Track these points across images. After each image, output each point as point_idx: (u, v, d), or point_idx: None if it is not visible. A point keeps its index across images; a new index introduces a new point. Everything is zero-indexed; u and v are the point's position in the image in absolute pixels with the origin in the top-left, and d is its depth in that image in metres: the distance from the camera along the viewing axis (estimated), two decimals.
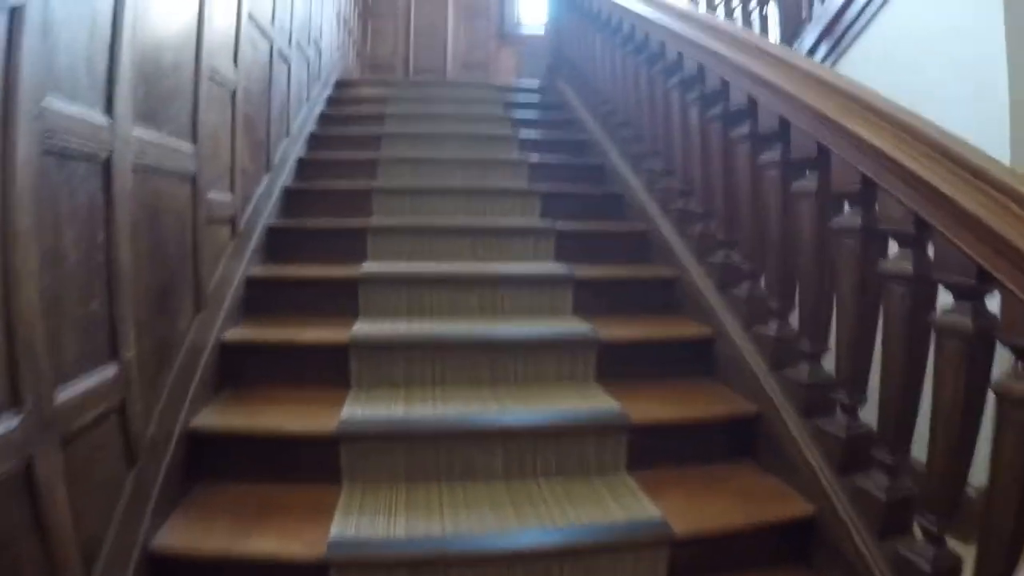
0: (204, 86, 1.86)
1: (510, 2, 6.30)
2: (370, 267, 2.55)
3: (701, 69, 2.30)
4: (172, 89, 1.65)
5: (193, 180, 1.79)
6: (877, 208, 1.46)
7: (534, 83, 4.80)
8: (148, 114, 1.49)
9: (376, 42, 6.11)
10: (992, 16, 2.42)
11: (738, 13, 5.23)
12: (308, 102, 3.55)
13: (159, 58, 1.56)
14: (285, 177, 3.00)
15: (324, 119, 3.86)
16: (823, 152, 1.61)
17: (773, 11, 5.35)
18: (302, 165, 3.28)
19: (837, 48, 4.17)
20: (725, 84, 2.12)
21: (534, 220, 3.07)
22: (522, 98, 4.45)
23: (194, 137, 1.79)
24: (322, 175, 3.27)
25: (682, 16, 2.46)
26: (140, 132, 1.44)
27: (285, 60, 2.95)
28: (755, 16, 5.26)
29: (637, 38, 2.98)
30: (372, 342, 2.11)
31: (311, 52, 3.56)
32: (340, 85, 4.47)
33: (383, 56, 6.13)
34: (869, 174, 1.44)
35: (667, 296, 2.57)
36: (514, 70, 6.26)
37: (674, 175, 2.73)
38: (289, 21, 3.00)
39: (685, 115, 2.52)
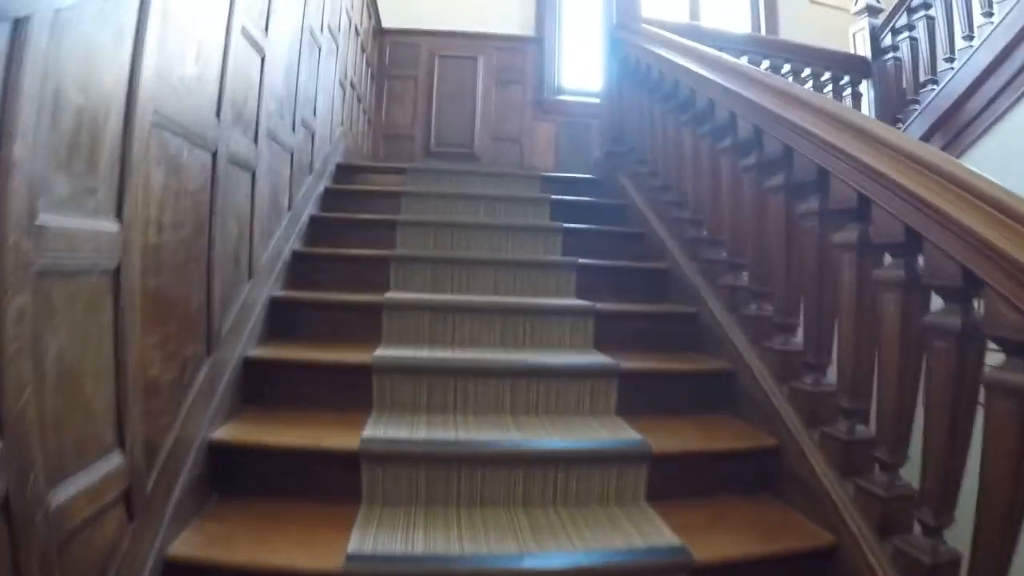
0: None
1: (550, 64, 5.38)
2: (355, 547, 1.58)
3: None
4: None
5: None
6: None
7: (585, 175, 3.82)
8: None
9: (393, 109, 5.20)
10: None
11: (828, 88, 4.39)
12: (290, 211, 2.58)
13: None
14: (242, 348, 2.01)
15: (315, 228, 2.89)
16: None
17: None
18: (276, 313, 2.31)
19: (958, 140, 3.74)
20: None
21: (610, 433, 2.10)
22: (572, 196, 3.47)
23: None
24: (304, 333, 2.32)
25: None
26: None
27: (246, 165, 1.98)
28: (847, 94, 4.41)
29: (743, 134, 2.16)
30: None
31: (296, 139, 2.60)
32: (343, 172, 3.53)
33: (401, 126, 5.21)
34: None
35: None
36: (552, 146, 5.32)
37: None
38: (256, 106, 2.04)
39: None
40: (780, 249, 2.08)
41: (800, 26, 5.50)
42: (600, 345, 2.43)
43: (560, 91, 5.40)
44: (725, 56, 2.62)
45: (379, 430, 1.85)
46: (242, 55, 1.88)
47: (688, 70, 2.66)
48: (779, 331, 2.11)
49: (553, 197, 3.35)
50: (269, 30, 2.08)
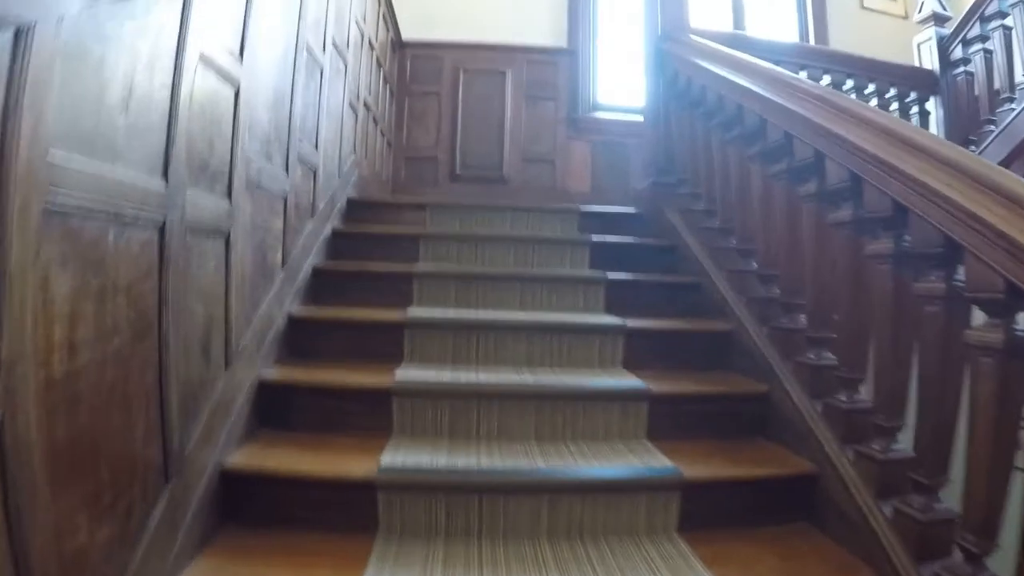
0: None
1: (584, 78, 4.91)
2: None
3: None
4: None
5: None
6: None
7: (626, 208, 3.34)
8: None
9: (414, 129, 4.77)
10: None
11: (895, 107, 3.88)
12: (285, 268, 2.15)
13: None
14: (218, 455, 1.57)
15: (318, 283, 2.47)
16: None
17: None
18: (265, 399, 1.88)
19: None
20: None
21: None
22: (614, 235, 3.00)
23: None
24: (300, 424, 1.90)
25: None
26: None
27: (214, 229, 1.56)
28: (914, 112, 4.01)
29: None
30: None
31: (291, 181, 2.18)
32: (355, 208, 3.10)
33: (423, 147, 4.77)
34: None
35: None
36: (587, 167, 4.85)
37: None
38: (230, 151, 1.61)
39: None
40: (888, 326, 1.59)
41: (851, 34, 5.03)
42: (654, 436, 1.97)
43: (596, 107, 4.93)
44: (803, 79, 2.16)
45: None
46: (205, 89, 1.45)
47: (755, 94, 2.20)
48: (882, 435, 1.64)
49: (594, 239, 2.89)
50: (246, 55, 1.66)
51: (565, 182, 4.81)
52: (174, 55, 1.31)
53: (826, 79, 3.65)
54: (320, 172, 2.53)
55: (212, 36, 1.46)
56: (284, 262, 2.16)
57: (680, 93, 2.97)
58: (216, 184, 1.56)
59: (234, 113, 1.62)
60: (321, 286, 2.48)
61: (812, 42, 5.26)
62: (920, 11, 4.07)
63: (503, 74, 4.81)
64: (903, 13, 5.40)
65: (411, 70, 4.74)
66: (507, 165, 4.77)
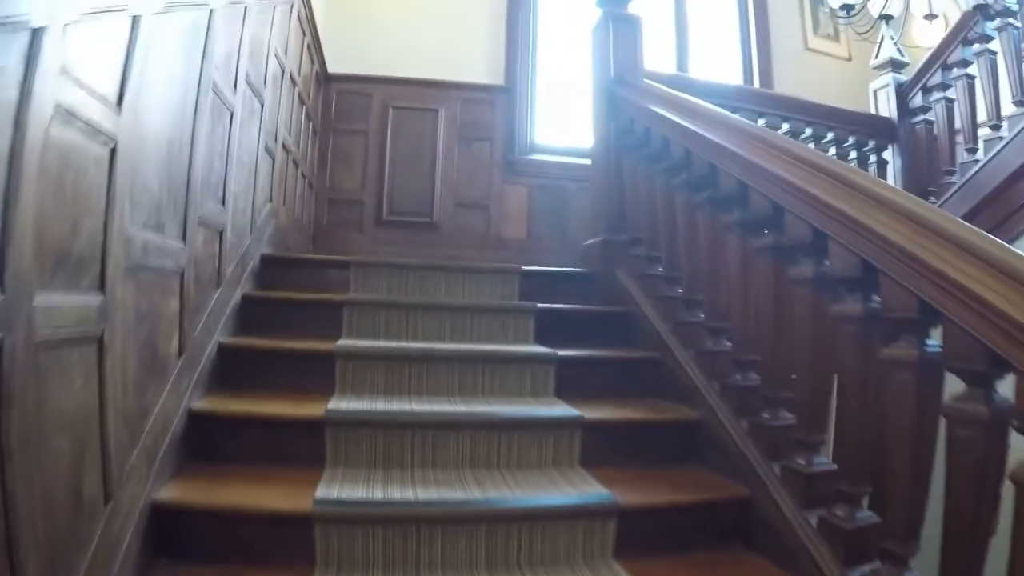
0: None
1: (522, 118, 4.64)
2: None
3: None
4: None
5: None
6: None
7: (574, 268, 3.07)
8: None
9: (339, 169, 4.36)
10: None
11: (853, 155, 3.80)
12: (183, 356, 1.74)
13: None
14: None
15: (225, 364, 2.07)
16: None
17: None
18: (157, 530, 1.47)
19: (1010, 224, 3.03)
20: None
21: None
22: (561, 302, 2.72)
23: None
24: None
25: None
26: None
27: (79, 338, 1.17)
28: (872, 160, 3.92)
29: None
30: None
31: (191, 248, 1.79)
32: (270, 266, 2.69)
33: (349, 189, 4.37)
34: None
35: None
36: (524, 212, 4.56)
37: None
38: (102, 230, 1.23)
39: None
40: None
41: (795, 75, 4.97)
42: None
43: (533, 149, 4.67)
44: (796, 143, 1.95)
45: None
46: (65, 152, 1.08)
47: (731, 153, 1.96)
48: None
49: (539, 307, 2.59)
50: (127, 102, 1.28)
51: (500, 228, 4.51)
52: (14, 109, 0.93)
53: (784, 126, 3.52)
54: (228, 231, 2.14)
55: (76, 80, 1.08)
56: (182, 350, 1.75)
57: (636, 144, 2.73)
58: (83, 276, 1.17)
59: (109, 179, 1.24)
60: (230, 368, 2.08)
61: (756, 82, 5.16)
62: (877, 56, 4.00)
63: (435, 112, 4.49)
64: (846, 55, 5.40)
65: (337, 106, 4.36)
66: (438, 210, 4.43)
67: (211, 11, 1.75)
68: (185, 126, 1.66)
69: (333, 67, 4.23)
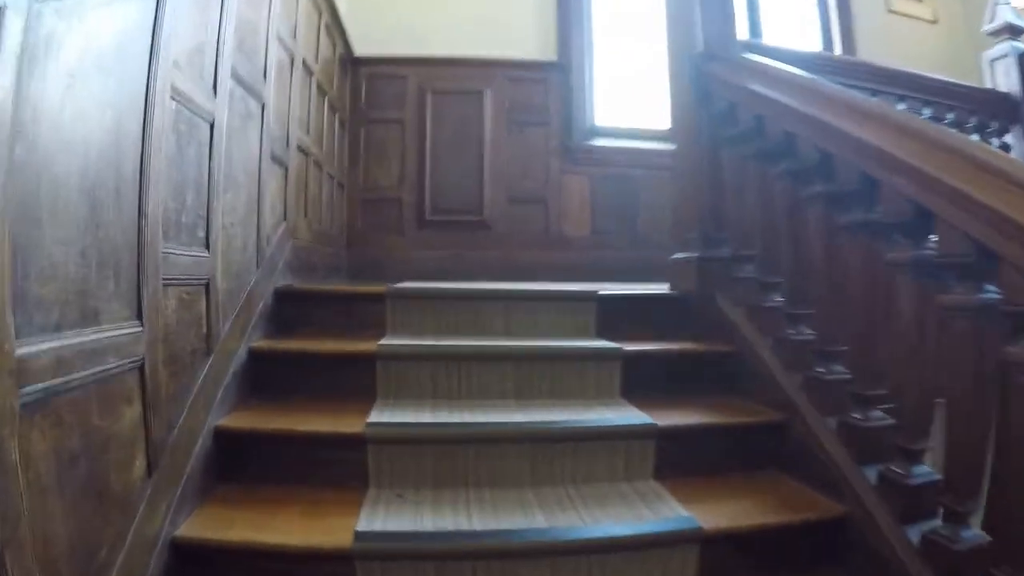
0: None
1: (580, 98, 4.02)
2: None
3: None
4: None
5: None
6: None
7: (660, 288, 2.47)
8: None
9: (374, 164, 3.83)
10: None
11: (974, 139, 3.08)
12: (152, 477, 1.23)
13: None
14: None
15: (220, 461, 1.56)
16: None
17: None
18: None
19: None
20: None
21: None
22: (649, 342, 2.16)
23: None
24: None
25: None
26: None
27: None
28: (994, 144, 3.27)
29: None
30: None
31: (159, 322, 1.28)
32: (284, 304, 2.17)
33: (385, 187, 3.84)
34: None
35: None
36: (587, 207, 3.97)
37: None
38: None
39: None
40: None
41: (878, 40, 4.28)
42: None
43: (594, 132, 4.04)
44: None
45: None
46: None
47: (904, 165, 1.35)
48: None
49: (626, 350, 2.01)
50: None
51: (561, 225, 3.93)
52: None
53: (900, 106, 2.86)
54: (218, 278, 1.62)
55: None
56: (152, 468, 1.25)
57: (742, 136, 2.11)
58: None
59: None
60: (230, 461, 1.58)
61: (838, 49, 4.48)
62: (991, 20, 3.29)
63: (480, 94, 3.90)
64: (931, 17, 4.69)
65: (367, 92, 3.80)
66: (489, 206, 3.87)
67: None
68: (124, 159, 1.13)
69: (361, 48, 3.67)
